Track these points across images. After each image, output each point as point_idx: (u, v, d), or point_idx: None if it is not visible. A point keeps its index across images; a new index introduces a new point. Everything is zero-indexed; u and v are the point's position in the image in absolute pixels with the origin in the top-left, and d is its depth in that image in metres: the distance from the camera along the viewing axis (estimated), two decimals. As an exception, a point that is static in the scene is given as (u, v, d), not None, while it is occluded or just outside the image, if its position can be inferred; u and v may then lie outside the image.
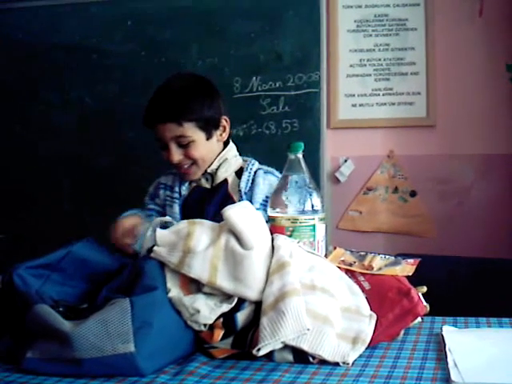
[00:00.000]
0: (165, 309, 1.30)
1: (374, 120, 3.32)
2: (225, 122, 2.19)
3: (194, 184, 2.19)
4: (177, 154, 2.08)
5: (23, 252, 3.40)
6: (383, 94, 3.32)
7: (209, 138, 2.13)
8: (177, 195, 2.17)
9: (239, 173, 2.18)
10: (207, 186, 2.17)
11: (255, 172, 2.17)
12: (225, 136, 2.20)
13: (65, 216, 3.53)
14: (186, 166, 2.12)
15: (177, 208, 2.14)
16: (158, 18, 3.43)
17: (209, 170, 2.15)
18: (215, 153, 2.16)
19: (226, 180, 2.16)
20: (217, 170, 2.15)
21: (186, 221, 1.47)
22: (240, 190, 2.12)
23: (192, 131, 2.07)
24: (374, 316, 1.36)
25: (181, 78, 2.21)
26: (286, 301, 1.27)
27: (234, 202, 2.03)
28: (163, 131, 2.07)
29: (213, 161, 2.16)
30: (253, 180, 2.15)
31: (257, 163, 2.22)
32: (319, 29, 3.28)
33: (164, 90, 2.14)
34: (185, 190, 2.18)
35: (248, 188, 2.13)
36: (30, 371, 1.22)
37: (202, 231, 1.42)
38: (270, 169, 2.21)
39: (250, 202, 2.07)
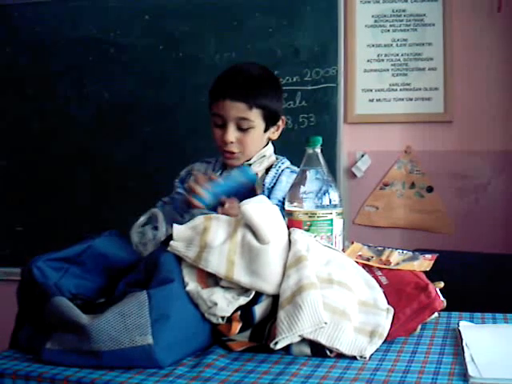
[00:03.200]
0: (182, 301, 1.31)
1: (391, 115, 3.31)
2: (281, 122, 2.19)
3: (225, 173, 2.18)
4: (232, 135, 2.06)
5: (40, 244, 3.45)
6: (400, 90, 3.31)
7: (265, 130, 2.13)
8: None
9: (269, 169, 2.18)
10: None
11: (282, 170, 2.17)
12: (276, 135, 2.20)
13: (82, 210, 3.55)
14: (233, 149, 2.10)
15: None
16: (176, 13, 3.44)
17: (245, 163, 2.15)
18: (260, 147, 2.16)
19: (256, 174, 2.15)
20: (251, 164, 2.16)
21: (202, 216, 1.47)
22: (264, 185, 2.12)
23: (256, 117, 2.06)
24: (392, 310, 1.37)
25: (257, 66, 2.20)
26: (302, 294, 1.27)
27: None
28: (230, 108, 2.04)
29: (254, 155, 2.16)
30: (278, 177, 2.15)
31: (287, 162, 2.21)
32: (337, 24, 3.27)
33: (241, 70, 2.13)
34: None
35: (272, 184, 2.13)
36: (49, 362, 1.24)
37: (218, 226, 1.42)
38: (297, 169, 2.20)
39: (269, 197, 2.08)
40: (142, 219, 1.71)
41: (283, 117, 2.20)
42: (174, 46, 3.44)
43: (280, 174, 2.16)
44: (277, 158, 2.23)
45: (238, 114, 2.04)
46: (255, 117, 2.06)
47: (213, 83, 2.14)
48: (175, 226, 1.45)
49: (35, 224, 3.64)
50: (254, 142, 2.11)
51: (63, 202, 3.59)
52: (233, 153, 2.10)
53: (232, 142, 2.07)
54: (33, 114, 3.65)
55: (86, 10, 3.56)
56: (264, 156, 2.17)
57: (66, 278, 1.40)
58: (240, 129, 2.07)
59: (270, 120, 2.12)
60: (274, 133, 2.19)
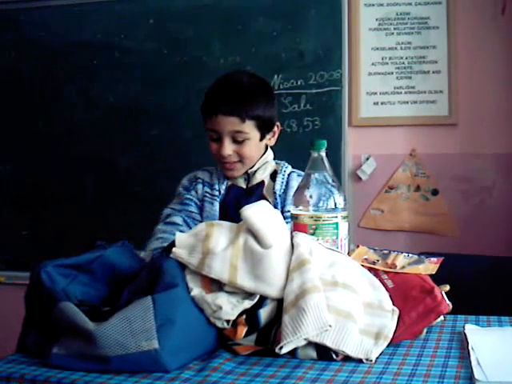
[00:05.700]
0: (187, 305, 1.32)
1: (395, 118, 3.31)
2: (276, 128, 2.20)
3: (230, 183, 2.18)
4: (229, 148, 2.07)
5: (45, 249, 3.46)
6: (405, 93, 3.31)
7: (261, 139, 2.13)
8: (217, 193, 2.15)
9: (273, 175, 2.19)
10: (243, 185, 2.17)
11: (289, 175, 2.18)
12: (273, 141, 2.21)
13: (87, 214, 3.55)
14: (232, 161, 2.11)
15: (217, 206, 2.12)
16: (180, 16, 3.44)
17: (248, 171, 2.16)
18: (259, 155, 2.17)
19: (262, 182, 2.16)
20: (255, 171, 2.17)
21: (204, 223, 1.48)
22: (275, 192, 2.12)
23: (250, 129, 2.07)
24: (397, 311, 1.37)
25: (246, 75, 2.19)
26: (306, 298, 1.27)
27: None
28: (223, 123, 2.05)
29: (255, 162, 2.17)
30: (287, 183, 2.16)
31: (290, 167, 2.22)
32: (341, 27, 3.28)
33: (231, 84, 2.13)
34: (224, 188, 2.18)
35: (282, 190, 2.13)
36: (56, 366, 1.24)
37: (220, 232, 1.43)
38: (302, 172, 2.21)
39: (284, 204, 2.09)
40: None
41: (278, 123, 2.20)
42: (179, 50, 3.45)
43: (288, 179, 2.16)
44: (278, 163, 2.24)
45: (231, 127, 2.05)
46: (249, 128, 2.07)
47: (204, 98, 2.15)
48: (178, 233, 1.46)
49: (40, 228, 3.64)
50: (252, 152, 2.12)
51: (68, 206, 3.59)
52: (232, 164, 2.11)
53: (229, 155, 2.08)
54: (38, 117, 3.66)
55: (91, 15, 3.57)
56: (267, 162, 2.18)
57: (74, 285, 1.39)
58: (236, 141, 2.08)
59: (264, 128, 2.13)
60: (271, 139, 2.20)
